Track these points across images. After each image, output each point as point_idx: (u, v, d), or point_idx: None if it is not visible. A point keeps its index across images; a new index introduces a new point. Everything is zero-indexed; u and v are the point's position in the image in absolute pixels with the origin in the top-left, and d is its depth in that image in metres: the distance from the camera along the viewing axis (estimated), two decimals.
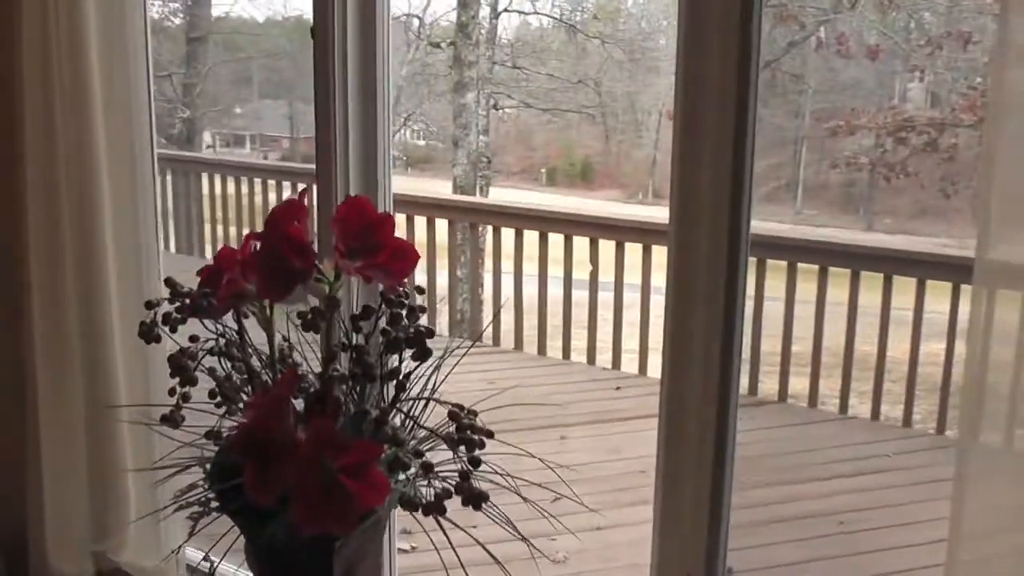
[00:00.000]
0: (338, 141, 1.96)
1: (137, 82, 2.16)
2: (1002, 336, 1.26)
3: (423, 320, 1.29)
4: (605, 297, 5.45)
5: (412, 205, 5.80)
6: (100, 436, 2.25)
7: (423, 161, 9.73)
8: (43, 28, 2.09)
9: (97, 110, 2.11)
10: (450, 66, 8.17)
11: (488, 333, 5.94)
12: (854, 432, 4.78)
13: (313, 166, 2.04)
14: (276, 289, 1.26)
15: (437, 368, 1.29)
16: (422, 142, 9.86)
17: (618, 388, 5.27)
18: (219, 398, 1.34)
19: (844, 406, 4.87)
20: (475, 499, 1.18)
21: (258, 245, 1.28)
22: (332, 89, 1.94)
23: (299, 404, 1.25)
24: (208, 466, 1.31)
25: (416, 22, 8.66)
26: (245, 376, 1.36)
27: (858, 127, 6.76)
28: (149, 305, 1.37)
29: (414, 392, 1.29)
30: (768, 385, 5.05)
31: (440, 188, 8.18)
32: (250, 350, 1.36)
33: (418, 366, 1.27)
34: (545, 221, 5.75)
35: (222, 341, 1.35)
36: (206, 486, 1.31)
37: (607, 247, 5.40)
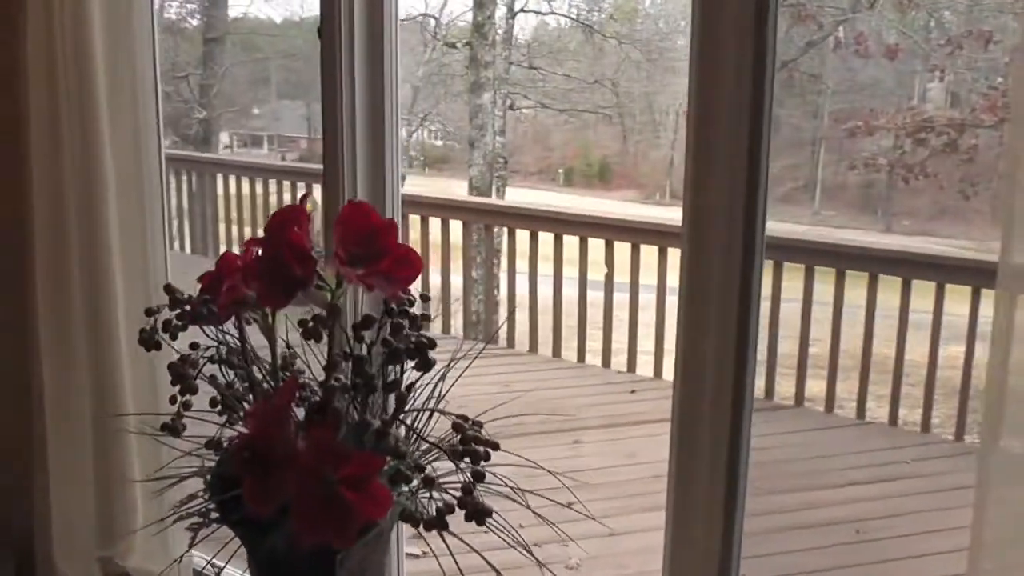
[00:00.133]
0: (345, 142, 1.93)
1: (144, 82, 2.14)
2: None
3: (427, 329, 1.26)
4: (620, 298, 5.40)
5: (426, 207, 5.79)
6: (107, 442, 2.23)
7: (440, 161, 9.72)
8: (48, 28, 2.07)
9: (103, 110, 2.09)
10: (466, 66, 8.16)
11: (503, 335, 5.92)
12: (871, 437, 4.72)
13: None
14: (277, 296, 1.23)
15: (443, 377, 1.27)
16: (439, 142, 9.85)
17: (633, 391, 5.23)
18: (220, 407, 1.32)
19: (861, 410, 4.81)
20: (478, 514, 1.15)
21: (259, 251, 1.26)
22: (339, 89, 1.91)
23: (300, 413, 1.23)
24: (208, 477, 1.29)
25: (432, 22, 8.66)
26: (247, 384, 1.34)
27: (877, 128, 6.69)
28: (149, 312, 1.36)
29: (420, 401, 1.27)
30: (785, 387, 4.99)
31: (456, 188, 8.17)
32: (252, 357, 1.34)
33: (421, 376, 1.24)
34: (560, 223, 5.70)
35: (223, 349, 1.33)
36: (206, 497, 1.29)
37: (622, 248, 5.36)
